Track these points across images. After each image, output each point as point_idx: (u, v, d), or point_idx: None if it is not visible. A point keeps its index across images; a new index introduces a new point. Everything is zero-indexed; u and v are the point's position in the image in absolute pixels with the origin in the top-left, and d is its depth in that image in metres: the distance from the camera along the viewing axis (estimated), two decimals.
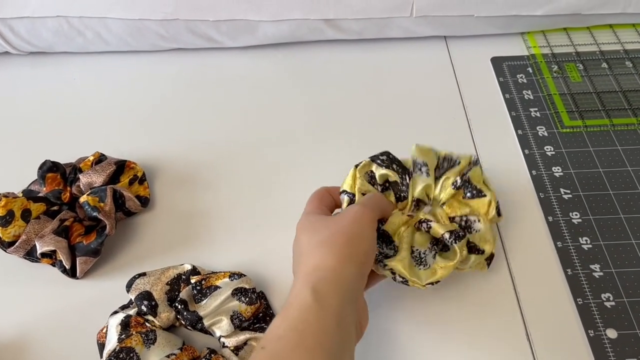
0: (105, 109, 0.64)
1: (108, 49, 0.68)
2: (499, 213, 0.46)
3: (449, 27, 0.66)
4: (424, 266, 0.44)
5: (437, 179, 0.46)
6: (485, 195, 0.45)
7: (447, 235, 0.43)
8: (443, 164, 0.47)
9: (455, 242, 0.42)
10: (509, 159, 0.56)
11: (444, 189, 0.46)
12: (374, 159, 0.47)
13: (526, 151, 0.56)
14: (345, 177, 0.47)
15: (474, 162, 0.47)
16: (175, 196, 0.55)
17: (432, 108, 0.62)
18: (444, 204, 0.46)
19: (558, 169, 0.54)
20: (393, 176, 0.46)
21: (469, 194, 0.46)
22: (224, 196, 0.55)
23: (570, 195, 0.52)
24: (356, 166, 0.47)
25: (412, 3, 0.62)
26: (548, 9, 0.63)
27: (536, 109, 0.60)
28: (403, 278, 0.43)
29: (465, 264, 0.45)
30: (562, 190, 0.53)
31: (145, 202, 0.53)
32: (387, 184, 0.47)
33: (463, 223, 0.45)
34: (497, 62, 0.66)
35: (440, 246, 0.45)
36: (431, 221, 0.44)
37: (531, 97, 0.61)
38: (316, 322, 0.34)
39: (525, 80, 0.63)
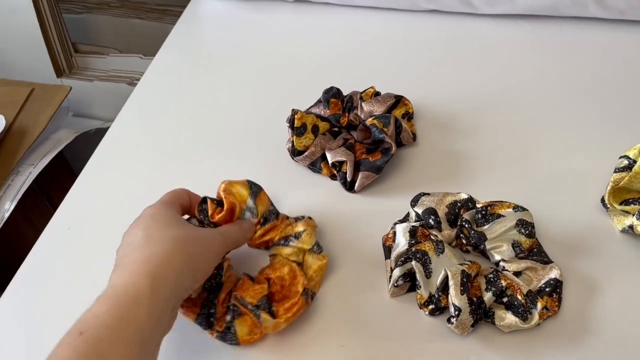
0: (360, 55, 0.70)
1: (370, 3, 0.73)
2: None
3: None
4: None
5: None
6: None
7: None
8: None
9: None
10: None
11: None
12: None
13: None
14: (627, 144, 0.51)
15: None
16: (436, 138, 0.59)
17: None
18: None
19: None
20: None
21: None
22: (480, 143, 0.58)
23: None
24: None
25: None
26: None
27: None
28: None
29: None
30: None
31: (414, 137, 0.57)
32: None
33: None
34: None
35: None
36: None
37: None
38: (145, 316, 0.34)
39: None
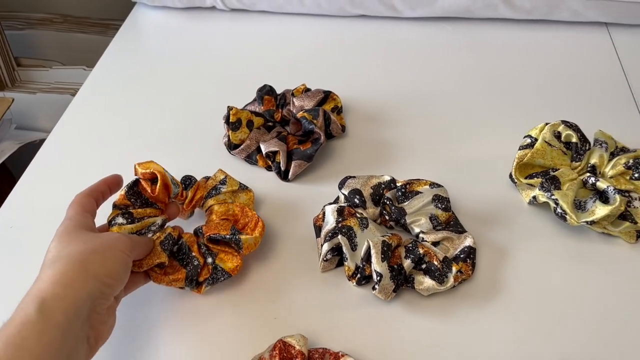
0: (293, 59, 0.74)
1: (302, 10, 0.78)
2: None
3: (615, 14, 0.71)
4: (583, 211, 0.50)
5: (610, 159, 0.53)
6: None
7: (610, 188, 0.49)
8: (619, 152, 0.54)
9: (617, 194, 0.48)
10: None
11: (614, 167, 0.53)
12: (564, 121, 0.54)
13: None
14: (532, 127, 0.55)
15: None
16: (364, 129, 0.63)
17: (597, 88, 0.67)
18: (611, 177, 0.52)
19: None
20: (576, 139, 0.53)
21: (636, 175, 0.52)
22: (403, 133, 0.63)
23: None
24: (547, 123, 0.55)
25: None
26: None
27: None
28: (563, 211, 0.49)
29: (617, 226, 0.50)
30: None
31: (343, 129, 0.62)
32: (569, 145, 0.54)
33: (625, 196, 0.50)
34: None
35: (601, 198, 0.50)
36: (598, 179, 0.51)
37: None
38: (36, 338, 0.34)
39: None
